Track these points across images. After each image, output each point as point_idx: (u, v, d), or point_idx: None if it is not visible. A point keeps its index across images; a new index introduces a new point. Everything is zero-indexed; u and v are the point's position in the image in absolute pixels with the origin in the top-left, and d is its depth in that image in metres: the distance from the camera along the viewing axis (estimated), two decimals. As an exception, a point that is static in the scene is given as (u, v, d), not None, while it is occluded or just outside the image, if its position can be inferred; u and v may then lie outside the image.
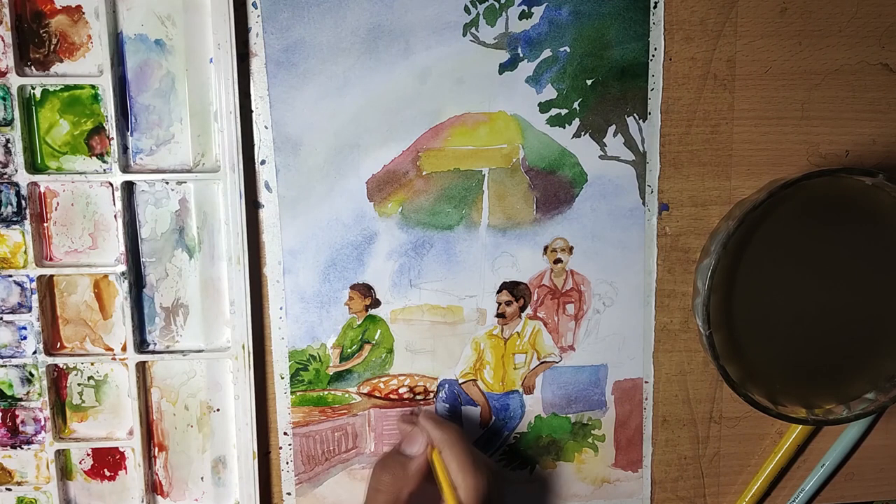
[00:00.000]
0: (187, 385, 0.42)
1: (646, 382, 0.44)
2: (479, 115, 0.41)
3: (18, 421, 0.42)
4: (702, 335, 0.39)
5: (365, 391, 0.43)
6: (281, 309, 0.42)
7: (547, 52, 0.41)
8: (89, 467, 0.43)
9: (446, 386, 0.44)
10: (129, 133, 0.40)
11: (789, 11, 0.42)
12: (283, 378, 0.42)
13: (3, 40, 0.38)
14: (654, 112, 0.42)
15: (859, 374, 0.41)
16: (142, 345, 0.42)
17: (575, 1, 0.40)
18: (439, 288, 0.42)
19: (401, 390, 0.43)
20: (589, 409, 0.44)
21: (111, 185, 0.40)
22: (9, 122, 0.39)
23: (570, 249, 0.43)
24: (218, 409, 0.42)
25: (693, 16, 0.41)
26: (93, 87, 0.39)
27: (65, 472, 0.43)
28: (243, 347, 0.41)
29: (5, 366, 0.41)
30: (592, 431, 0.44)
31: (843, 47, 0.42)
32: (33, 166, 0.40)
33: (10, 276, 0.40)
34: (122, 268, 0.40)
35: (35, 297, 0.40)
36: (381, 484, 0.38)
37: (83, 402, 0.42)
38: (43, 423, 0.42)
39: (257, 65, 0.40)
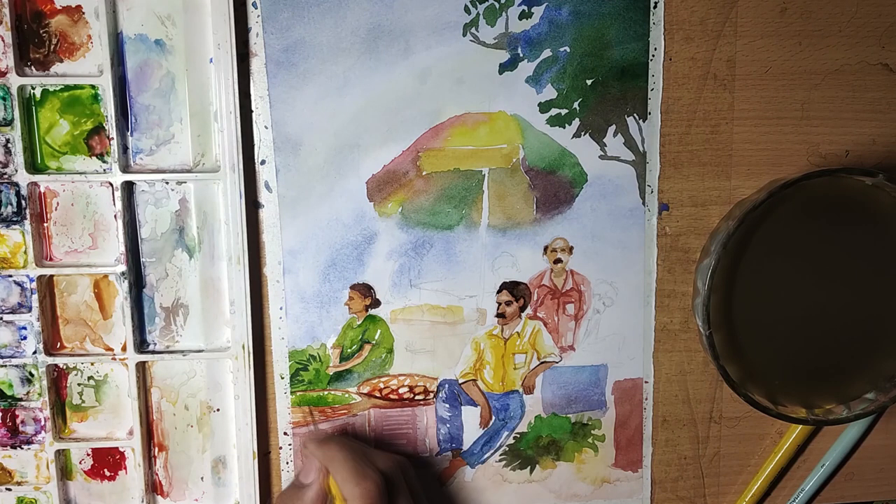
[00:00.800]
0: (187, 385, 0.42)
1: (646, 382, 0.44)
2: (479, 115, 0.41)
3: (18, 421, 0.42)
4: (702, 335, 0.39)
5: (365, 391, 0.43)
6: (281, 309, 0.42)
7: (547, 52, 0.41)
8: (89, 467, 0.43)
9: (446, 386, 0.44)
10: (129, 133, 0.40)
11: (789, 11, 0.42)
12: (283, 378, 0.42)
13: (3, 40, 0.38)
14: (654, 112, 0.42)
15: (859, 374, 0.41)
16: (142, 345, 0.42)
17: (575, 1, 0.40)
18: (439, 288, 0.42)
19: (401, 390, 0.43)
20: (589, 409, 0.44)
21: (111, 185, 0.40)
22: (9, 122, 0.39)
23: (570, 249, 0.43)
24: (218, 409, 0.42)
25: (693, 16, 0.41)
26: (93, 87, 0.39)
27: (65, 472, 0.43)
28: (243, 347, 0.41)
29: (5, 366, 0.41)
30: (592, 431, 0.44)
31: (843, 47, 0.42)
32: (33, 166, 0.40)
33: (10, 276, 0.40)
34: (122, 268, 0.40)
35: (35, 297, 0.40)
36: None
37: (83, 402, 0.42)
38: (43, 423, 0.42)
39: (257, 65, 0.40)
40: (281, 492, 0.40)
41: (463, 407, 0.44)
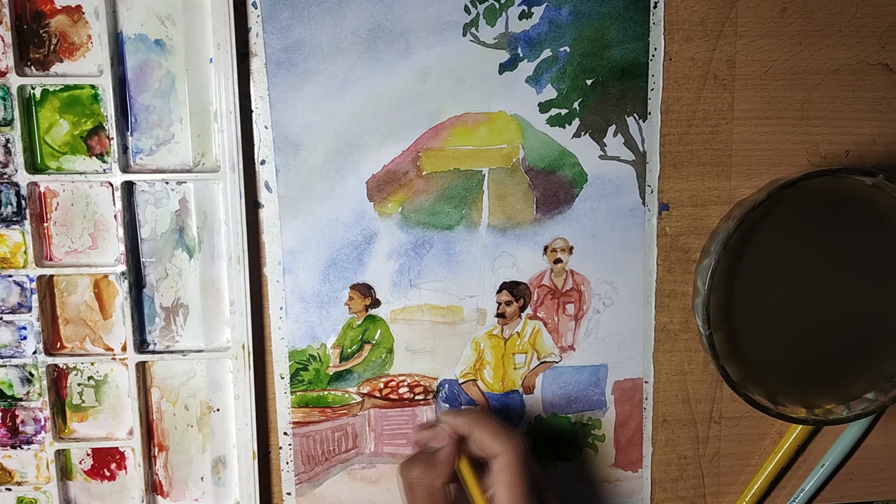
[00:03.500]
0: (187, 385, 0.42)
1: (646, 382, 0.44)
2: (479, 115, 0.41)
3: (18, 421, 0.42)
4: (702, 335, 0.39)
5: (365, 391, 0.43)
6: (281, 309, 0.42)
7: (547, 52, 0.41)
8: (89, 467, 0.43)
9: (446, 386, 0.44)
10: (129, 133, 0.40)
11: (789, 11, 0.42)
12: (283, 378, 0.42)
13: (3, 40, 0.38)
14: (654, 112, 0.42)
15: (859, 374, 0.41)
16: (142, 345, 0.42)
17: (575, 1, 0.40)
18: (439, 288, 0.42)
19: (401, 390, 0.43)
20: (589, 409, 0.44)
21: (111, 185, 0.40)
22: (9, 122, 0.39)
23: (570, 249, 0.43)
24: (218, 409, 0.42)
25: (693, 16, 0.41)
26: (93, 87, 0.39)
27: (65, 472, 0.43)
28: (243, 347, 0.41)
29: (5, 366, 0.41)
30: (592, 431, 0.44)
31: (843, 47, 0.42)
32: (33, 166, 0.40)
33: (10, 276, 0.40)
34: (122, 268, 0.40)
35: (35, 297, 0.40)
36: (411, 478, 0.38)
37: (83, 402, 0.42)
38: (43, 423, 0.42)
39: (257, 65, 0.40)
40: (406, 458, 0.40)
41: (463, 407, 0.44)
